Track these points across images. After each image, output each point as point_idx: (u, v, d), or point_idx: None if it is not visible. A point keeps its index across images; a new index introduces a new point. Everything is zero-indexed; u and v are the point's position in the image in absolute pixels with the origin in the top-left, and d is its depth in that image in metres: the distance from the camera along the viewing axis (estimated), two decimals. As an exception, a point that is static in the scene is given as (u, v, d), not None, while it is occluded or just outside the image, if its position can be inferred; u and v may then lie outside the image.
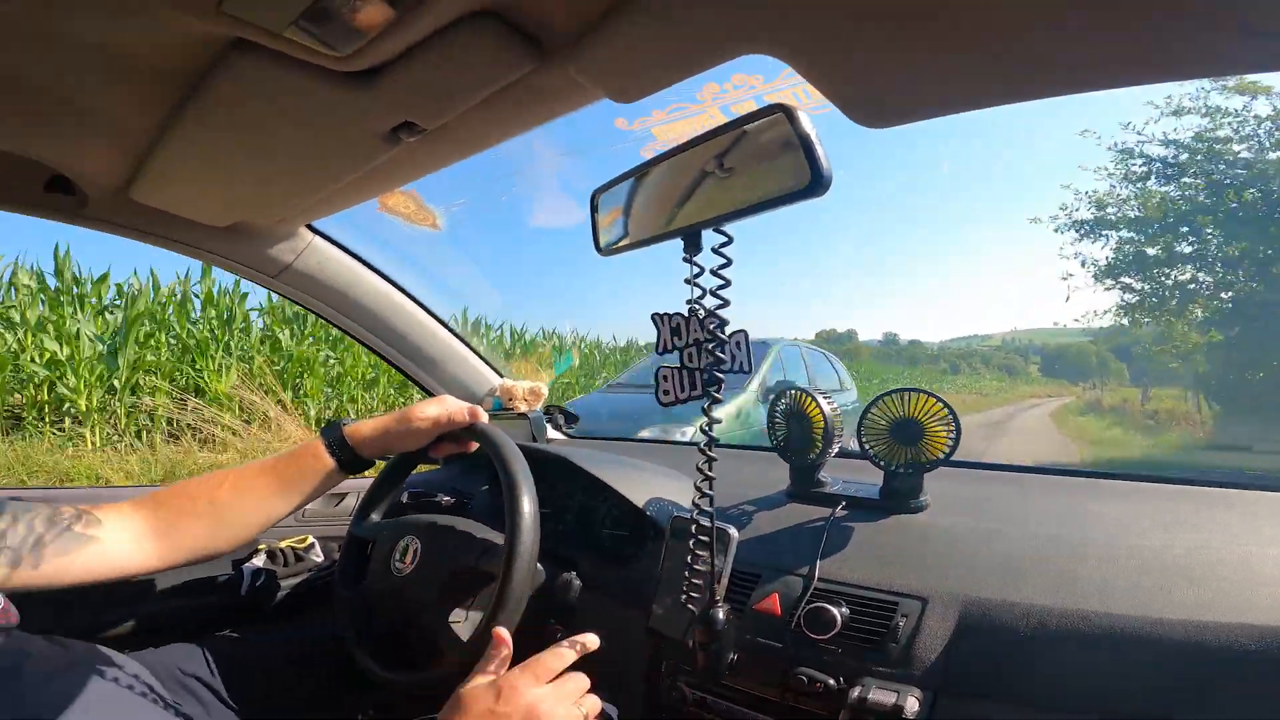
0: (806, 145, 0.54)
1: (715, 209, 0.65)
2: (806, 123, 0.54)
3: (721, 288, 0.67)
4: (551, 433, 1.48)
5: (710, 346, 0.69)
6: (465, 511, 1.22)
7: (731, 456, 1.41)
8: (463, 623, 0.90)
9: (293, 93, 0.65)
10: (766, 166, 0.58)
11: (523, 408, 1.42)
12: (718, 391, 0.68)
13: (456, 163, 0.83)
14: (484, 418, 0.91)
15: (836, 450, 0.97)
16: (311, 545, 1.29)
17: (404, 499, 1.25)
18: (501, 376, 1.45)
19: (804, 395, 0.98)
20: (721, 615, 0.73)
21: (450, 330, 1.34)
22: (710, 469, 0.69)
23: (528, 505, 0.82)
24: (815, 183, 0.54)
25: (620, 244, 0.79)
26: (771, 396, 1.04)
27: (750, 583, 0.83)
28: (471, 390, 1.40)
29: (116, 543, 0.82)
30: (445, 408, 0.92)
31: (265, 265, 1.10)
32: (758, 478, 1.10)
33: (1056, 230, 11.16)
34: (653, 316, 0.73)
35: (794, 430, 0.98)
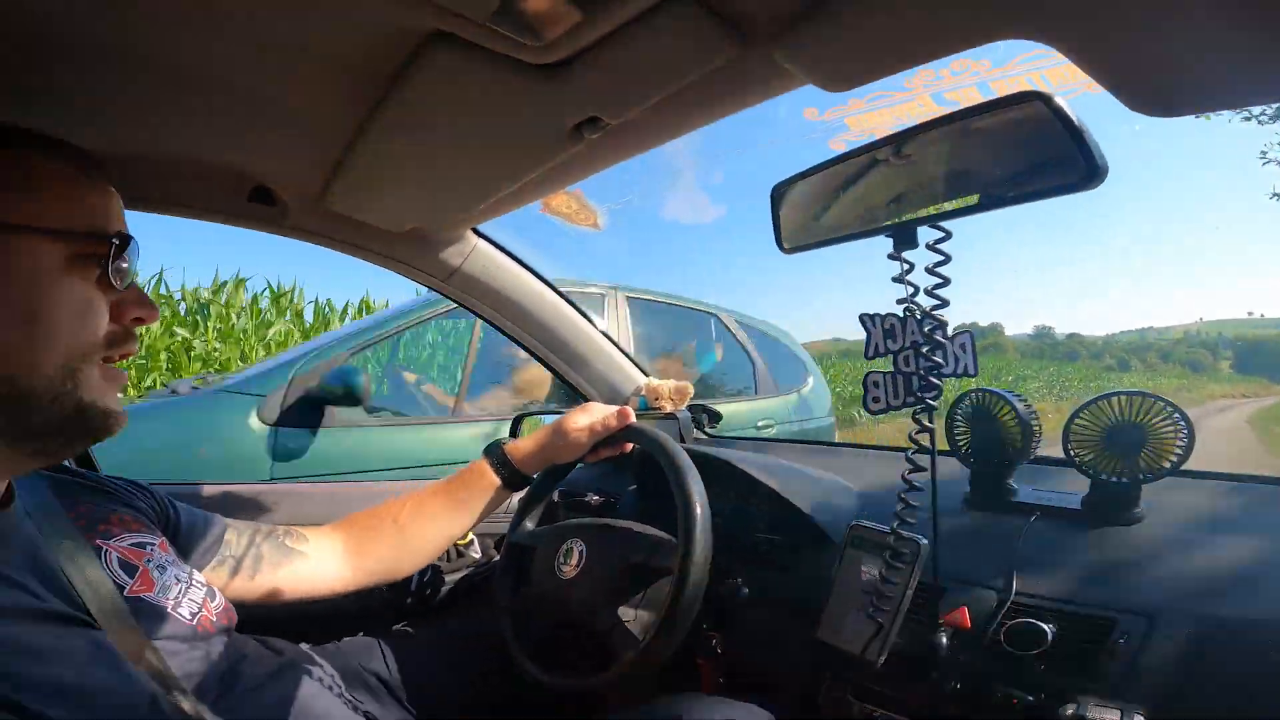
0: (1076, 135, 0.51)
1: (942, 203, 0.58)
2: (1071, 110, 0.51)
3: (939, 286, 0.61)
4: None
5: (927, 350, 0.62)
6: (615, 512, 1.22)
7: (873, 457, 1.33)
8: (632, 621, 0.89)
9: (485, 86, 0.66)
10: (1017, 158, 0.55)
11: (669, 407, 1.40)
12: (935, 398, 0.65)
13: (632, 158, 0.80)
14: (633, 418, 0.95)
15: (1032, 457, 0.90)
16: (471, 542, 1.35)
17: (554, 498, 1.27)
18: (646, 376, 1.43)
19: (993, 397, 0.90)
20: (945, 640, 0.72)
21: (599, 330, 1.34)
22: (917, 480, 0.67)
23: (699, 499, 0.83)
24: (1091, 174, 0.51)
25: (809, 241, 0.75)
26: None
27: (932, 594, 0.78)
28: (618, 389, 1.40)
29: (320, 562, 0.89)
30: (595, 414, 0.98)
31: (437, 269, 1.15)
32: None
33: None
34: (861, 318, 0.69)
35: (979, 434, 0.91)
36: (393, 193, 0.97)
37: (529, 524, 1.07)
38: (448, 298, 1.22)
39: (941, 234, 0.61)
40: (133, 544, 0.69)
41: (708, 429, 1.49)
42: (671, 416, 1.36)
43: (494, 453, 0.99)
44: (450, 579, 1.31)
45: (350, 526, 0.94)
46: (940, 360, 0.64)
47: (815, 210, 0.77)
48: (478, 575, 1.34)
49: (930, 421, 0.66)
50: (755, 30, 0.57)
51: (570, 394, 1.43)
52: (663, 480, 0.90)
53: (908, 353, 0.67)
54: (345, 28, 0.60)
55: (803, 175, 0.75)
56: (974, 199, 0.59)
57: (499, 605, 1.03)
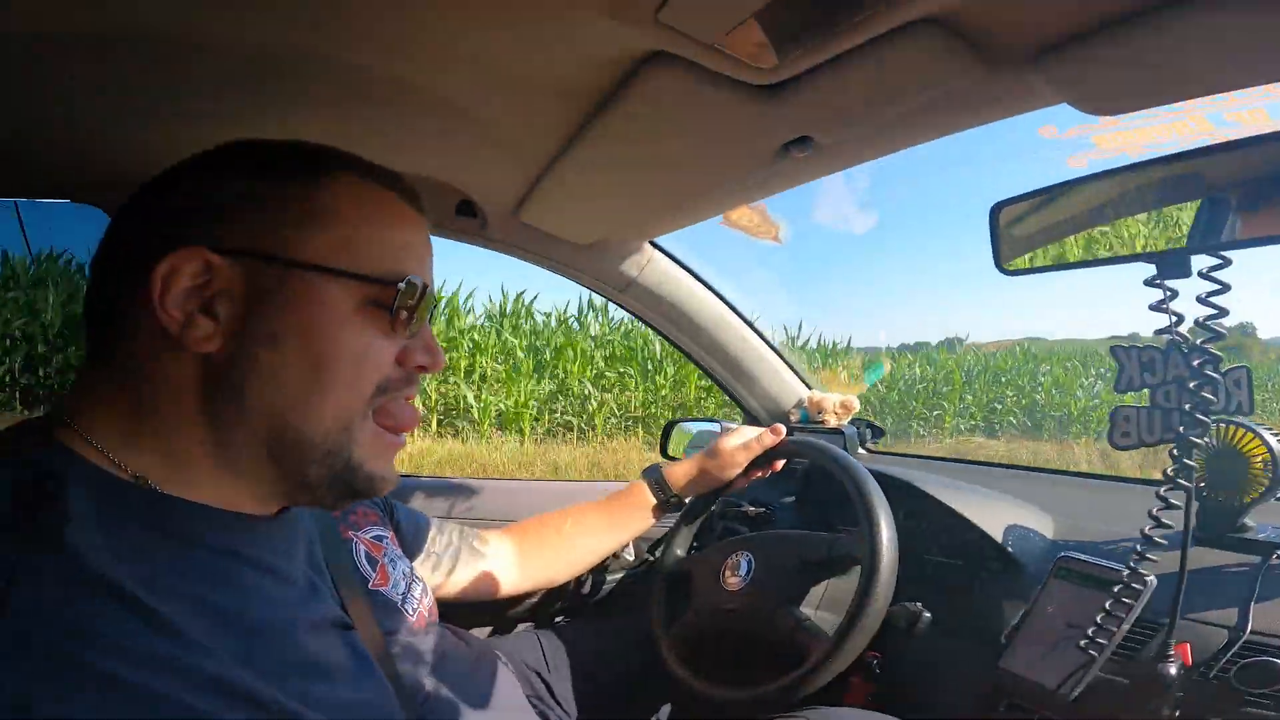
0: None
1: (1220, 233, 0.53)
2: None
3: (1214, 318, 0.55)
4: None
5: (1195, 385, 0.57)
6: (772, 524, 1.21)
7: (1063, 484, 1.25)
8: (814, 620, 0.90)
9: (700, 105, 0.67)
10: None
11: (832, 421, 1.36)
12: (1201, 436, 0.61)
13: (833, 174, 0.79)
14: (783, 434, 1.00)
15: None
16: (625, 544, 1.38)
17: (713, 506, 1.27)
18: (810, 389, 1.40)
19: (1238, 430, 0.81)
20: (1174, 670, 0.68)
21: (765, 341, 1.33)
22: (1165, 518, 0.65)
23: (876, 491, 0.85)
24: None
25: (1038, 265, 0.71)
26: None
27: (1146, 631, 0.73)
28: (780, 403, 1.38)
29: (499, 564, 0.95)
30: (748, 436, 1.02)
31: (615, 280, 1.20)
32: (1115, 511, 0.99)
33: None
34: (1114, 350, 0.64)
35: (1217, 468, 0.82)
36: (584, 207, 1.02)
37: (678, 550, 1.08)
38: (623, 308, 1.27)
39: (1219, 261, 0.55)
40: (374, 536, 0.75)
41: (868, 445, 1.44)
42: (836, 431, 1.32)
43: (652, 475, 1.04)
44: (610, 579, 1.35)
45: (522, 532, 1.01)
46: (1211, 396, 0.57)
47: (1047, 231, 0.73)
48: (629, 578, 1.38)
49: (1192, 459, 0.60)
50: (1009, 52, 0.55)
51: (737, 408, 1.44)
52: (822, 490, 0.90)
53: (1169, 388, 0.62)
54: (569, 51, 0.62)
55: (1026, 197, 0.72)
56: (1258, 231, 0.53)
57: (659, 639, 1.03)
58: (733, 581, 0.98)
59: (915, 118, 0.68)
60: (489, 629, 1.20)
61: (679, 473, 1.04)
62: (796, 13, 0.51)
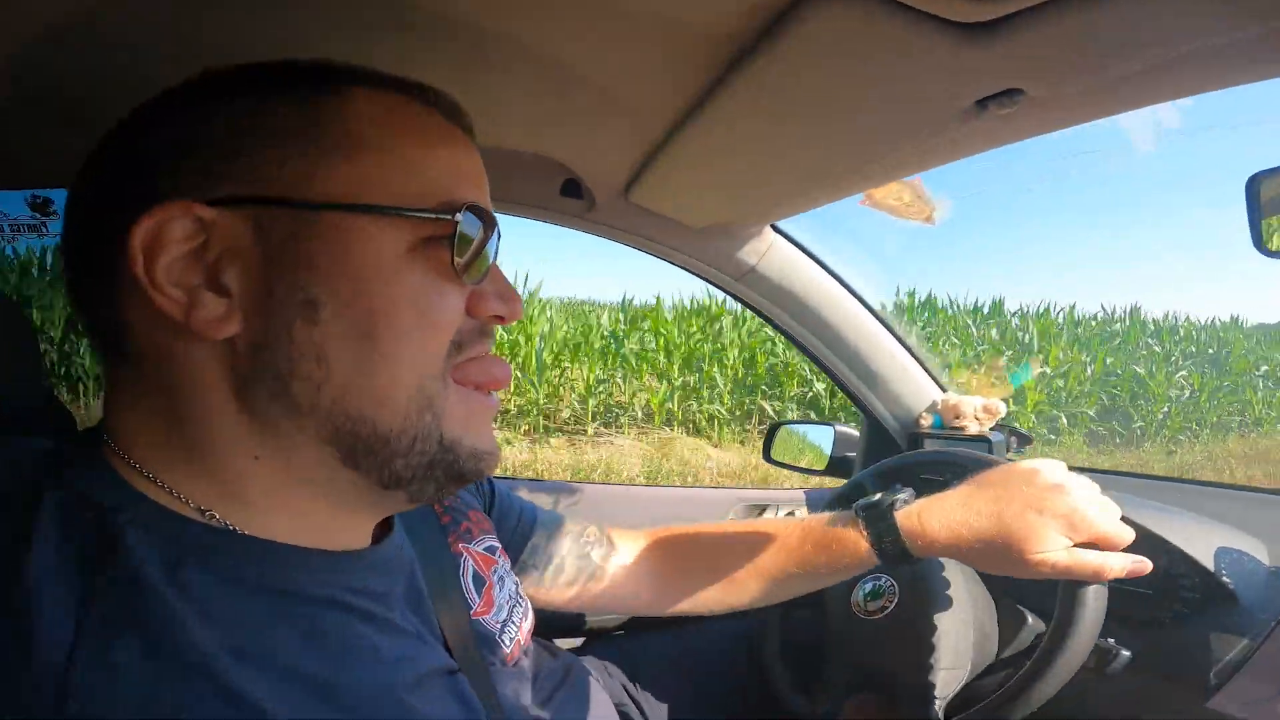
0: None
1: None
2: None
3: None
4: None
5: None
6: None
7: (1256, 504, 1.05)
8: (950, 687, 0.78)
9: (876, 52, 0.53)
10: None
11: (974, 428, 1.20)
12: None
13: (1024, 140, 0.64)
14: (1110, 575, 0.62)
15: None
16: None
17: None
18: (944, 390, 1.24)
19: None
20: None
21: (896, 337, 1.18)
22: None
23: (1090, 622, 0.66)
24: None
25: None
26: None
27: None
28: (911, 407, 1.23)
29: (625, 578, 0.79)
30: (1078, 552, 0.61)
31: (731, 267, 1.07)
32: None
33: None
34: None
35: None
36: (703, 186, 0.90)
37: None
38: (736, 298, 1.14)
39: None
40: (485, 549, 0.64)
41: (1012, 454, 1.26)
42: (980, 438, 1.16)
43: (880, 524, 0.68)
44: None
45: (664, 551, 0.81)
46: None
47: None
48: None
49: None
50: None
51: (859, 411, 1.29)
52: None
53: None
54: None
55: None
56: None
57: (768, 659, 0.94)
58: (870, 609, 0.85)
59: (1168, 70, 0.52)
60: (571, 636, 1.11)
61: (934, 532, 0.65)
62: None
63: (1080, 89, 0.56)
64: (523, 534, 0.76)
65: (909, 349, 1.20)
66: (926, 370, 1.22)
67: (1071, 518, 0.61)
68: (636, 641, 1.03)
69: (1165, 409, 7.38)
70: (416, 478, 0.40)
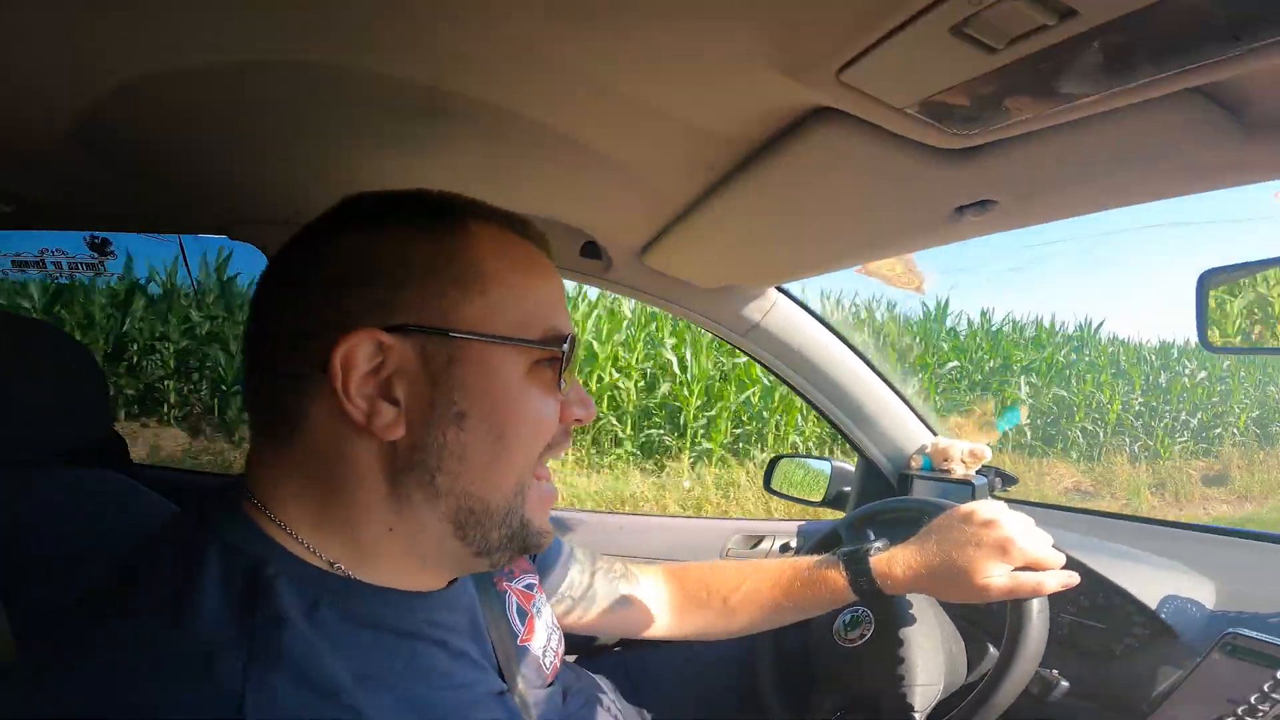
0: None
1: None
2: None
3: None
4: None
5: None
6: None
7: (1245, 547, 1.11)
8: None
9: (869, 165, 0.62)
10: None
11: (960, 471, 1.28)
12: None
13: (1009, 230, 0.73)
14: (1047, 591, 0.74)
15: None
16: None
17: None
18: (935, 434, 1.32)
19: None
20: None
21: (889, 384, 1.27)
22: None
23: (1032, 649, 0.77)
24: None
25: (1248, 344, 0.64)
26: None
27: None
28: (902, 447, 1.31)
29: (646, 608, 0.90)
30: (1016, 575, 0.73)
31: (738, 324, 1.16)
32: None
33: None
34: None
35: None
36: (714, 254, 0.99)
37: None
38: (743, 351, 1.24)
39: None
40: (525, 586, 0.73)
41: (997, 493, 1.34)
42: (965, 482, 1.24)
43: (857, 566, 0.82)
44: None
45: (681, 583, 0.93)
46: None
47: (1259, 309, 0.66)
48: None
49: None
50: (1268, 119, 0.48)
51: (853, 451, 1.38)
52: None
53: None
54: (730, 102, 0.58)
55: (1248, 266, 0.65)
56: None
57: (761, 681, 1.02)
58: (850, 638, 0.94)
59: (1135, 182, 0.61)
60: (575, 654, 1.18)
61: (899, 572, 0.79)
62: (1025, 82, 0.46)
63: (1042, 200, 0.66)
64: (561, 569, 0.86)
65: (902, 397, 1.29)
66: (918, 416, 1.31)
67: (1005, 546, 0.74)
68: (637, 658, 1.11)
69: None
70: (501, 548, 0.49)
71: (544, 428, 0.49)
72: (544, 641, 0.72)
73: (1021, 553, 0.73)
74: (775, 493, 1.51)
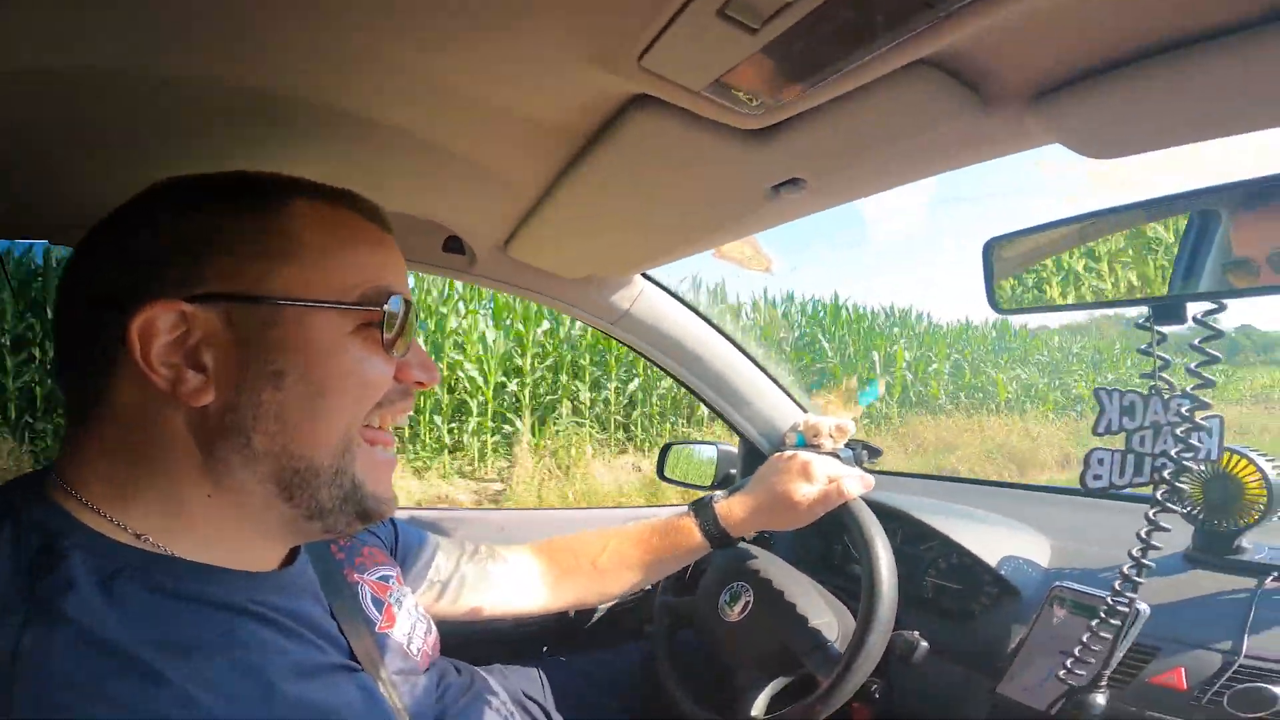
0: None
1: (1226, 276, 0.53)
2: None
3: (1205, 364, 0.54)
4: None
5: (1180, 431, 0.56)
6: (770, 546, 1.20)
7: (1068, 504, 1.23)
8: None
9: (686, 149, 0.66)
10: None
11: (829, 445, 1.35)
12: (1181, 480, 0.58)
13: (825, 210, 0.79)
14: (857, 492, 0.88)
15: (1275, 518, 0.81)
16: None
17: None
18: (805, 411, 1.39)
19: (1235, 456, 0.83)
20: (1100, 699, 0.70)
21: (759, 366, 1.32)
22: (1147, 557, 0.65)
23: (888, 600, 0.82)
24: None
25: (1032, 304, 0.71)
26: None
27: (1144, 656, 0.75)
28: (776, 426, 1.38)
29: (517, 585, 0.92)
30: (818, 478, 0.90)
31: (607, 312, 1.19)
32: (1113, 532, 0.99)
33: None
34: (1097, 392, 0.63)
35: (1214, 492, 0.84)
36: (574, 243, 1.01)
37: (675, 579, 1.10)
38: (615, 339, 1.26)
39: (1214, 306, 0.55)
40: (380, 577, 0.74)
41: (866, 465, 1.43)
42: (833, 455, 1.31)
43: (705, 513, 0.95)
44: (602, 607, 1.34)
45: (549, 555, 0.96)
46: (1198, 444, 0.58)
47: (1039, 270, 0.73)
48: (622, 607, 1.36)
49: (1178, 505, 0.60)
50: (1006, 93, 0.54)
51: (731, 431, 1.43)
52: (826, 522, 0.90)
53: (1145, 432, 0.62)
54: (553, 93, 0.61)
55: (1029, 233, 0.72)
56: (1259, 280, 0.53)
57: (659, 666, 1.05)
58: (731, 613, 0.98)
59: (907, 157, 0.67)
60: (483, 658, 1.17)
61: (737, 513, 0.93)
62: (788, 60, 0.51)
63: (846, 175, 0.71)
64: (425, 556, 0.87)
65: (771, 377, 1.35)
66: (789, 394, 1.37)
67: (806, 468, 0.91)
68: (550, 665, 1.10)
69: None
70: (335, 511, 0.50)
71: (370, 385, 0.51)
72: (408, 629, 0.72)
73: (820, 471, 0.91)
74: (668, 479, 1.55)
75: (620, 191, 0.80)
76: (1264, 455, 0.80)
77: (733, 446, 1.50)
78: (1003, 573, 0.94)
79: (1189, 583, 0.82)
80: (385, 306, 0.50)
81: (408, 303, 0.52)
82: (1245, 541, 0.83)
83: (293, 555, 0.58)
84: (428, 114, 0.66)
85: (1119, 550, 0.93)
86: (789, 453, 0.95)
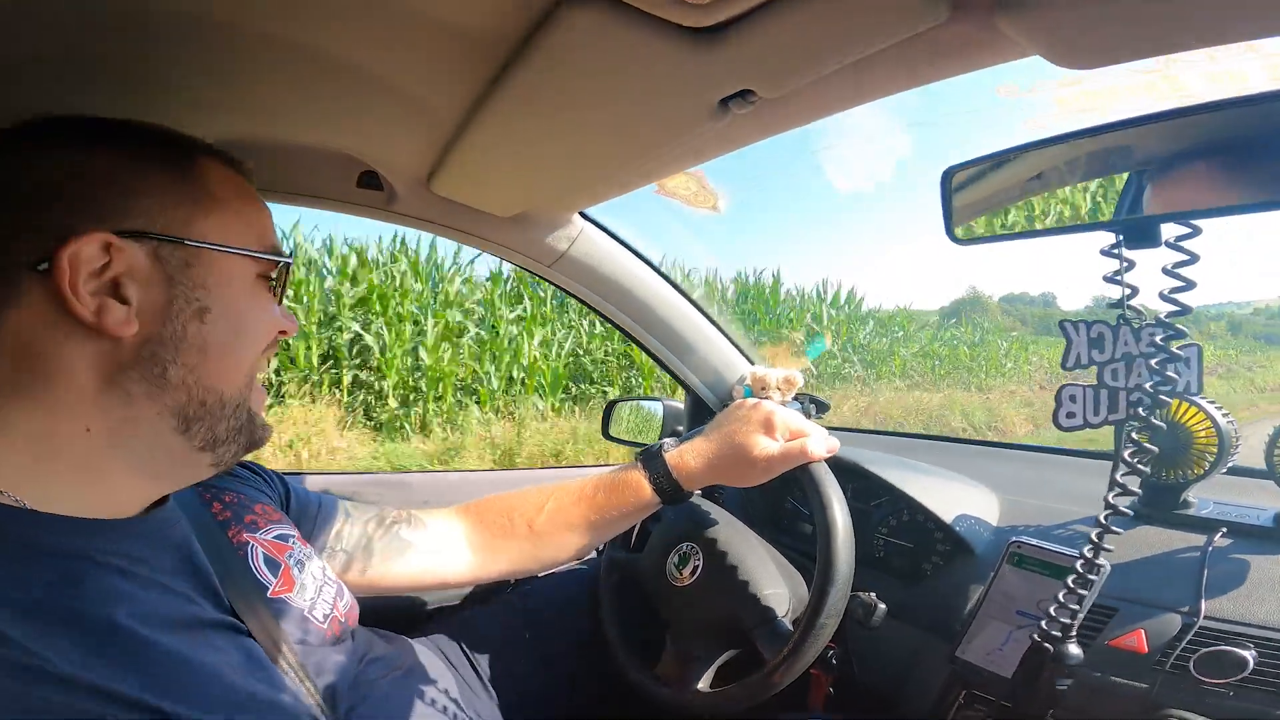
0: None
1: (1187, 201, 0.49)
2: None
3: (1179, 290, 0.51)
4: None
5: (1155, 362, 0.53)
6: (714, 498, 1.16)
7: (1019, 460, 1.24)
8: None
9: (624, 53, 0.58)
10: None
11: (776, 397, 1.31)
12: (1159, 417, 0.54)
13: (777, 135, 0.72)
14: (822, 454, 0.81)
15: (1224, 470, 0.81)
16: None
17: None
18: (753, 363, 1.35)
19: (1185, 406, 0.80)
20: (1075, 650, 0.67)
21: (706, 316, 1.27)
22: (1122, 504, 0.61)
23: (844, 565, 0.76)
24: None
25: (990, 233, 0.67)
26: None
27: (1103, 616, 0.74)
28: (722, 377, 1.33)
29: (439, 552, 0.83)
30: (779, 431, 0.83)
31: (542, 254, 1.10)
32: (1057, 486, 1.00)
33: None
34: (1062, 324, 0.59)
35: (1161, 443, 0.81)
36: (503, 175, 0.92)
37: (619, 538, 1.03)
38: (551, 283, 1.17)
39: (1189, 230, 0.51)
40: (275, 537, 0.67)
41: (816, 418, 1.41)
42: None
43: (654, 464, 0.85)
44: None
45: (479, 517, 0.87)
46: (1175, 375, 0.54)
47: (1000, 199, 0.69)
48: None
49: (1152, 444, 0.57)
50: None
51: (677, 385, 1.37)
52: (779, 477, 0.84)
53: (1117, 365, 0.59)
54: None
55: (988, 159, 0.68)
56: (1236, 198, 0.49)
57: (605, 630, 0.99)
58: (680, 576, 0.93)
59: (868, 70, 0.60)
60: (411, 623, 1.10)
61: (690, 465, 0.84)
62: None
63: (802, 89, 0.64)
64: (324, 521, 0.78)
65: (718, 326, 1.30)
66: (735, 345, 1.32)
67: (769, 420, 0.83)
68: (472, 615, 1.04)
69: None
70: (228, 440, 0.53)
71: (269, 327, 0.56)
72: (311, 594, 0.65)
73: (783, 424, 0.83)
74: (613, 438, 1.49)
75: (552, 111, 0.71)
76: (1214, 403, 0.79)
77: (679, 402, 1.45)
78: (958, 530, 0.91)
79: (1139, 538, 0.81)
80: (282, 260, 0.57)
81: (289, 260, 0.59)
82: (1190, 495, 0.83)
83: (158, 506, 0.55)
84: (330, 25, 0.58)
85: (1064, 505, 0.93)
86: (751, 400, 0.88)
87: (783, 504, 1.20)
